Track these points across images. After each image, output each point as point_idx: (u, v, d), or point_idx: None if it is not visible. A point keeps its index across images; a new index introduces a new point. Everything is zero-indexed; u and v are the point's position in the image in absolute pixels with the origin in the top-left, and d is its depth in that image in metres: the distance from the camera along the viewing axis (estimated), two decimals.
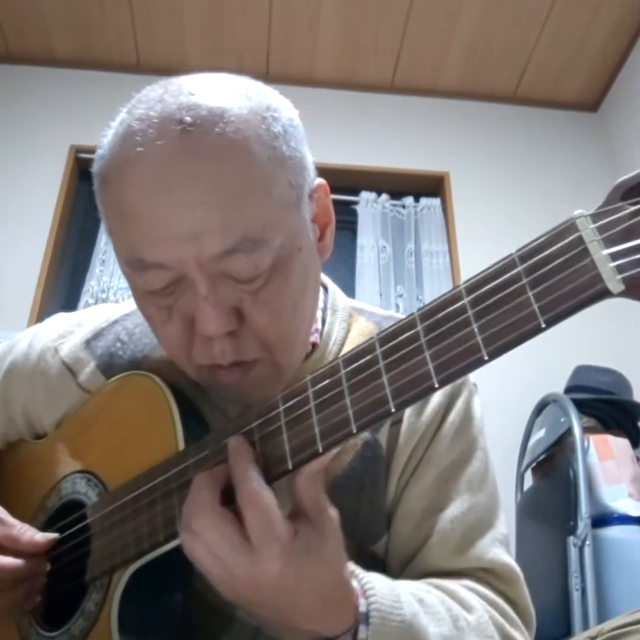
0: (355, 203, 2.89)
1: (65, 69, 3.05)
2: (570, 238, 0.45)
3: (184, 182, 0.59)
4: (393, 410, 0.50)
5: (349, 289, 2.66)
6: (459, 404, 0.78)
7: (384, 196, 2.92)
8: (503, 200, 2.93)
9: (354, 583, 0.59)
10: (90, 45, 3.00)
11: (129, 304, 0.84)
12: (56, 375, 0.82)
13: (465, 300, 0.49)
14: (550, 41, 2.94)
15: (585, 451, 2.00)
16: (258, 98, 0.64)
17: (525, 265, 0.46)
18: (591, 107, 3.22)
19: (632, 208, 0.44)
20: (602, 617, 1.72)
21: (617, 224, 0.43)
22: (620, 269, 0.42)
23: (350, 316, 0.82)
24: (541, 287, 0.45)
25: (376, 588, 0.59)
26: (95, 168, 0.66)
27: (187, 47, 2.97)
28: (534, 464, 2.31)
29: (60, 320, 0.88)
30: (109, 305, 0.91)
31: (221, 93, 0.63)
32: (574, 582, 1.81)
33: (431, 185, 3.01)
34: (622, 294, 0.43)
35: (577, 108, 3.22)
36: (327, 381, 0.55)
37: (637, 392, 2.30)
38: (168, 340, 0.68)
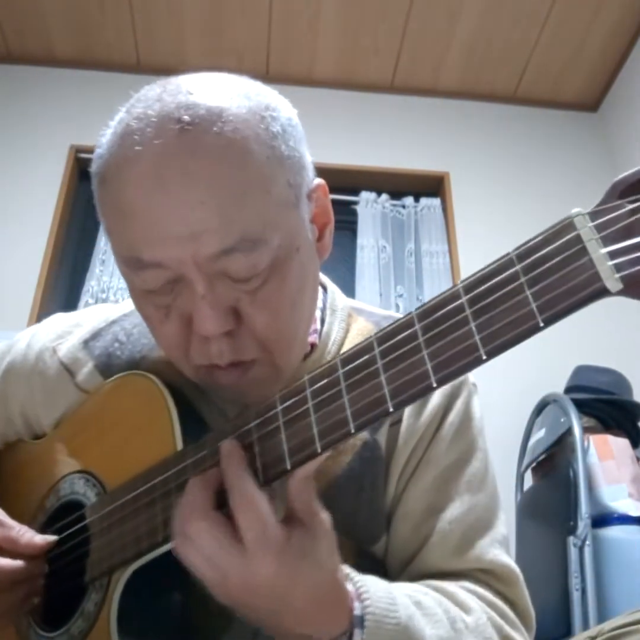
0: (355, 203, 2.89)
1: (65, 69, 3.05)
2: (568, 236, 0.45)
3: (182, 181, 0.59)
4: (391, 409, 0.50)
5: (349, 289, 2.66)
6: (459, 404, 0.78)
7: (384, 196, 2.92)
8: (503, 200, 2.93)
9: (349, 586, 0.59)
10: (90, 45, 3.00)
11: (128, 305, 0.84)
12: (54, 376, 0.82)
13: (463, 299, 0.48)
14: (550, 41, 2.94)
15: (585, 451, 2.00)
16: (257, 97, 0.64)
17: (522, 264, 0.46)
18: (591, 107, 3.22)
19: (631, 206, 0.43)
20: (602, 617, 1.72)
21: (616, 222, 0.43)
22: (618, 268, 0.42)
23: (349, 316, 0.82)
24: (539, 286, 0.45)
25: (371, 591, 0.59)
26: (93, 167, 0.66)
27: (187, 47, 2.97)
28: (534, 464, 2.31)
29: (58, 321, 0.88)
30: (108, 305, 0.91)
31: (220, 92, 0.63)
32: (574, 582, 1.81)
33: (431, 185, 3.01)
34: (620, 293, 0.43)
35: (577, 108, 3.22)
36: (325, 381, 0.55)
37: (637, 392, 2.30)
38: (165, 340, 0.67)
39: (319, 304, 0.81)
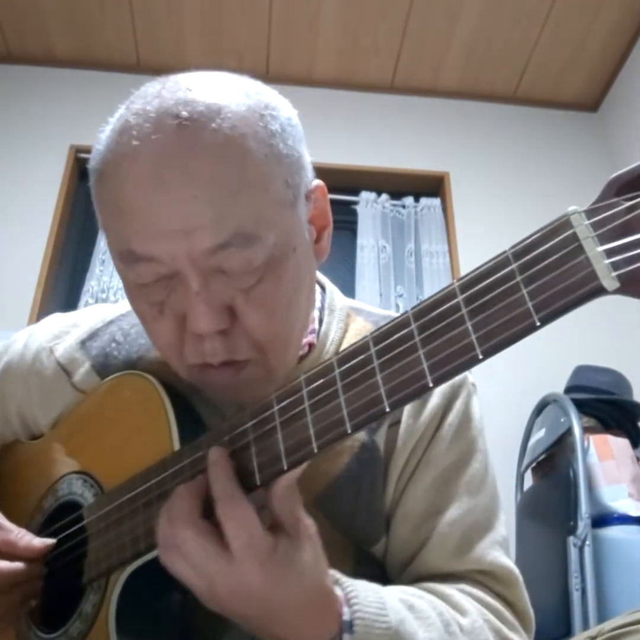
0: (355, 203, 2.89)
1: (65, 69, 3.05)
2: (565, 234, 0.44)
3: (179, 177, 0.59)
4: (387, 409, 0.50)
5: (349, 289, 2.66)
6: (458, 405, 0.78)
7: (384, 196, 2.92)
8: (503, 200, 2.93)
9: (338, 591, 0.59)
10: (90, 45, 3.00)
11: (125, 305, 0.83)
12: (51, 376, 0.81)
13: (459, 298, 0.48)
14: (550, 41, 2.94)
15: (585, 451, 2.00)
16: (257, 96, 0.64)
17: (519, 262, 0.46)
18: (591, 107, 3.22)
19: (628, 203, 0.43)
20: (602, 617, 1.72)
21: (612, 219, 0.43)
22: (615, 266, 0.42)
23: (348, 316, 0.82)
24: (535, 285, 0.44)
25: (360, 596, 0.59)
26: (92, 164, 0.66)
27: (187, 47, 2.97)
28: (534, 464, 2.31)
29: (55, 321, 0.88)
30: (105, 305, 0.91)
31: (219, 90, 0.62)
32: (574, 582, 1.81)
33: (431, 185, 3.01)
34: (617, 291, 0.42)
35: (577, 108, 3.21)
36: (321, 381, 0.55)
37: (637, 392, 2.29)
38: (159, 338, 0.67)
39: (317, 303, 0.81)
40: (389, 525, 0.74)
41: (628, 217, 0.42)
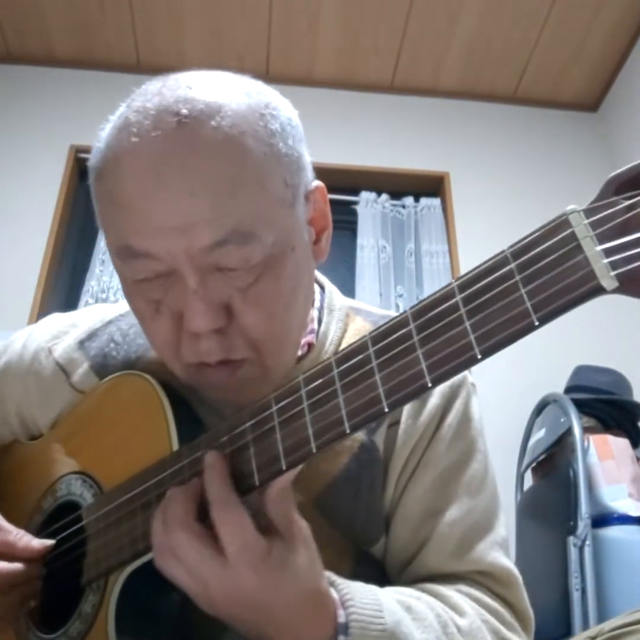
0: (355, 203, 2.89)
1: (65, 69, 3.05)
2: (563, 234, 0.44)
3: (177, 173, 0.59)
4: (386, 409, 0.50)
5: (349, 289, 2.66)
6: (457, 405, 0.77)
7: (384, 196, 2.92)
8: (503, 200, 2.93)
9: (334, 593, 0.59)
10: (90, 45, 3.00)
11: (124, 305, 0.83)
12: (50, 376, 0.81)
13: (458, 297, 0.48)
14: (550, 41, 2.94)
15: (585, 451, 2.00)
16: (258, 96, 0.64)
17: (517, 261, 0.46)
18: (591, 107, 3.22)
19: (627, 202, 0.43)
20: (602, 617, 1.72)
21: (611, 219, 0.43)
22: (614, 265, 0.41)
23: (347, 316, 0.81)
24: (534, 285, 0.44)
25: (355, 598, 0.59)
26: (91, 161, 0.66)
27: (187, 47, 2.97)
28: (534, 464, 2.31)
29: (54, 321, 0.88)
30: (104, 305, 0.91)
31: (220, 89, 0.63)
32: (574, 582, 1.81)
33: (431, 185, 3.00)
34: (616, 291, 0.42)
35: (577, 108, 3.21)
36: (319, 381, 0.55)
37: (637, 392, 2.29)
38: (156, 336, 0.67)
39: (317, 303, 0.81)
40: (389, 525, 0.74)
41: (627, 216, 0.42)
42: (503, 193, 2.96)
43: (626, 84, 3.01)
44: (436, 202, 2.93)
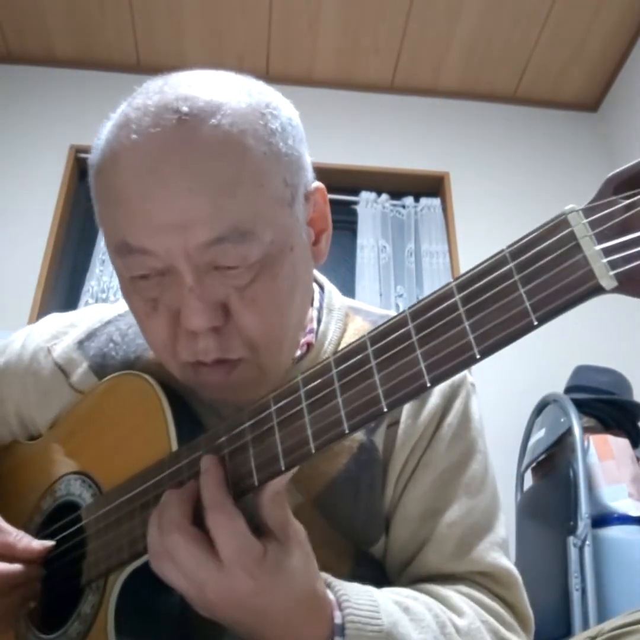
0: (355, 203, 2.89)
1: (65, 69, 3.05)
2: (562, 233, 0.44)
3: (176, 171, 0.59)
4: (385, 409, 0.50)
5: (349, 289, 2.66)
6: (457, 405, 0.77)
7: (384, 196, 2.92)
8: (503, 200, 2.93)
9: (330, 595, 0.59)
10: (90, 45, 3.00)
11: (123, 305, 0.83)
12: (49, 376, 0.81)
13: (456, 297, 0.48)
14: (550, 41, 2.94)
15: (585, 451, 2.00)
16: (258, 95, 0.64)
17: (516, 261, 0.46)
18: (591, 107, 3.22)
19: (626, 202, 0.43)
20: (602, 617, 1.72)
21: (610, 218, 0.42)
22: (613, 265, 0.41)
23: (346, 316, 0.81)
24: (533, 284, 0.44)
25: (351, 599, 0.59)
26: (91, 158, 0.66)
27: (187, 47, 2.97)
28: (534, 464, 2.31)
29: (53, 321, 0.87)
30: (103, 305, 0.91)
31: (221, 87, 0.63)
32: (574, 582, 1.81)
33: (431, 185, 3.00)
34: (615, 290, 0.42)
35: (577, 108, 3.21)
36: (318, 381, 0.54)
37: (637, 392, 2.29)
38: (153, 335, 0.67)
39: (316, 303, 0.80)
40: (388, 525, 0.74)
41: (626, 215, 0.42)
42: (503, 193, 2.96)
43: (626, 84, 3.01)
44: (436, 202, 2.93)
